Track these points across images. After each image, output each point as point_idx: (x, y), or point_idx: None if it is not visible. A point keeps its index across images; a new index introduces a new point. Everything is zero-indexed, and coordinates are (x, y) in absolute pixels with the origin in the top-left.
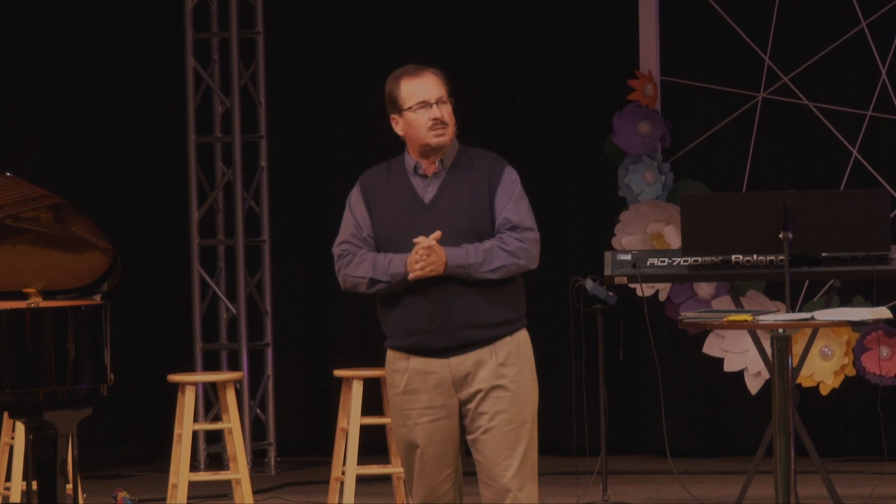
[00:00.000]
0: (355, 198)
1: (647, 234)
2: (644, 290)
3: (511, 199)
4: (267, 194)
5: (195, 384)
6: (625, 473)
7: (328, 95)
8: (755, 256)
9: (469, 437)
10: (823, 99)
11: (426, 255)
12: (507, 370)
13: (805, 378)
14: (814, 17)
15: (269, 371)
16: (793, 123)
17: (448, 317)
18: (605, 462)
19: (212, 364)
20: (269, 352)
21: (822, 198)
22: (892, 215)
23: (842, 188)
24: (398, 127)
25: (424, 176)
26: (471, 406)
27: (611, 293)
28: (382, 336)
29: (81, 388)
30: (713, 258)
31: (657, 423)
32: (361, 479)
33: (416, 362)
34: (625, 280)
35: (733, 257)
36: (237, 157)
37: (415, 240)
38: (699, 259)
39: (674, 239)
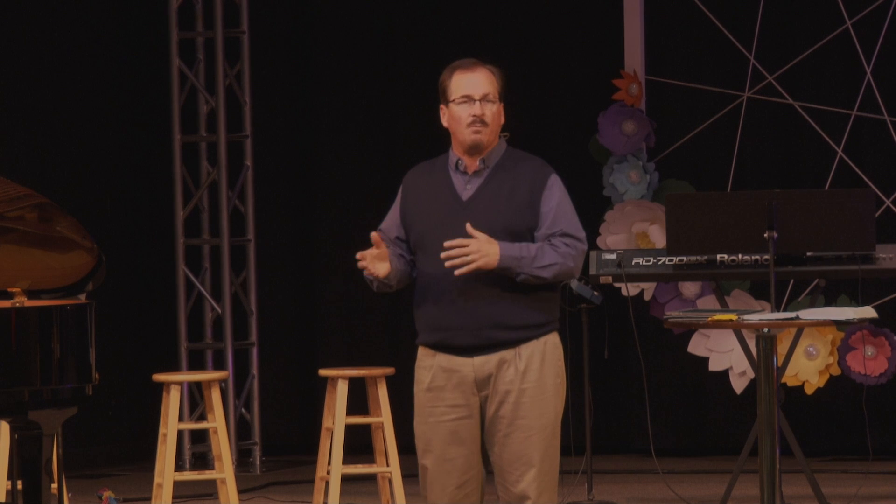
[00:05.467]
0: (398, 196)
1: (632, 233)
2: (629, 289)
3: (560, 208)
4: (252, 194)
5: (180, 383)
6: (610, 473)
7: (313, 94)
8: (740, 256)
9: (488, 440)
10: (808, 98)
11: (464, 251)
12: (529, 375)
13: (790, 377)
14: (799, 16)
15: (255, 370)
16: (778, 123)
17: (474, 315)
18: (590, 461)
19: (197, 363)
20: (254, 351)
21: (807, 197)
22: (876, 215)
23: (827, 187)
24: (444, 118)
25: (465, 173)
26: (491, 408)
27: (596, 292)
28: (366, 336)
29: (66, 388)
30: (698, 258)
31: (642, 423)
32: (346, 479)
33: (442, 359)
34: (610, 279)
35: (718, 257)
36: (222, 157)
37: (446, 243)
38: (684, 258)
39: (659, 238)
